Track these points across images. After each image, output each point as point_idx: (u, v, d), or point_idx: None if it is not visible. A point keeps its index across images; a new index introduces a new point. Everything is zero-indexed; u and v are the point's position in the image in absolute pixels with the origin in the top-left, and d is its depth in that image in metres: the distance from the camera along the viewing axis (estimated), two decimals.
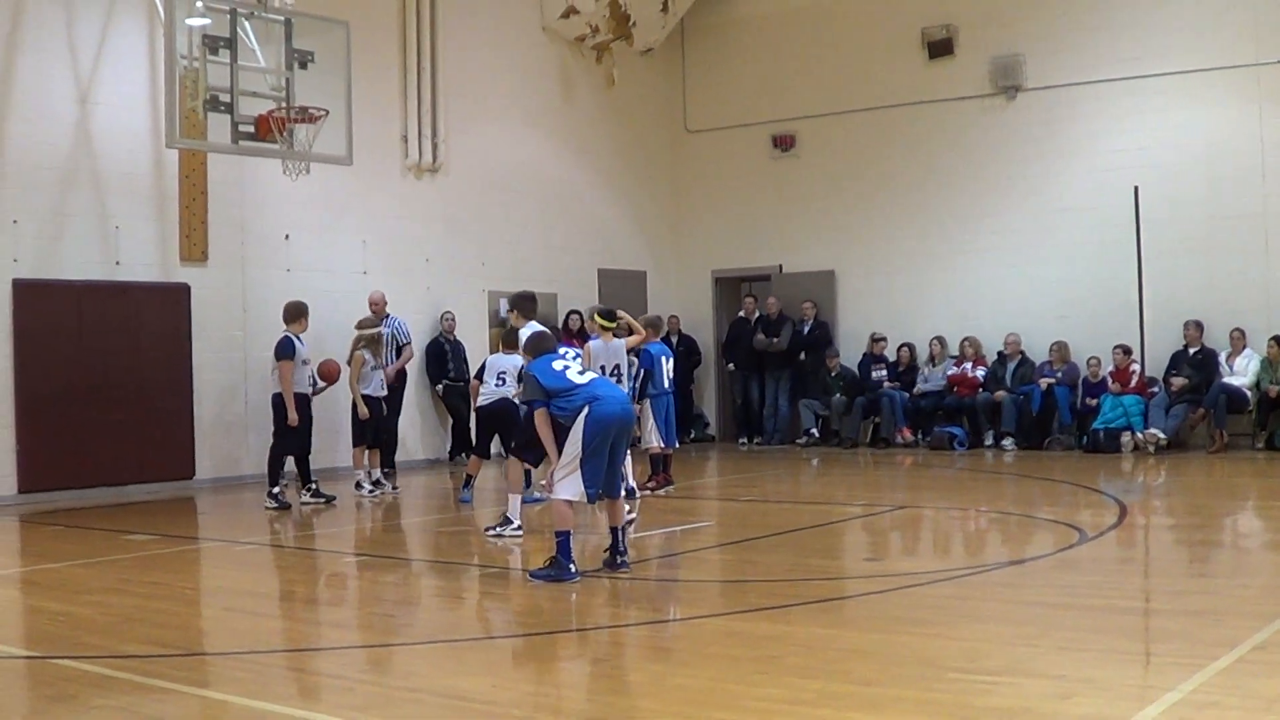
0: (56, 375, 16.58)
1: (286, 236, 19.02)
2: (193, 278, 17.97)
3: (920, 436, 22.00)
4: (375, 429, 16.61)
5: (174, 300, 17.75)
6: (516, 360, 13.04)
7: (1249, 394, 19.49)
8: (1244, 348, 19.74)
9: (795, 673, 7.06)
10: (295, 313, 15.78)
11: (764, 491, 14.57)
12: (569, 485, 9.89)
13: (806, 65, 24.24)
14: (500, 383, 13.96)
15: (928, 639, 7.73)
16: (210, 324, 18.13)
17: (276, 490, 15.35)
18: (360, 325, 16.83)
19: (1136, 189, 20.78)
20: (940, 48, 22.81)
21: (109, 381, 17.10)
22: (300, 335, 15.66)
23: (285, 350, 15.32)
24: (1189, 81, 20.53)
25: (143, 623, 8.95)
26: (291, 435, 15.46)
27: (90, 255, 17.06)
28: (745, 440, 23.83)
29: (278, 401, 15.40)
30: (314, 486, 15.83)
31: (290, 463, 15.86)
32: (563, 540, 9.85)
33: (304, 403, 15.52)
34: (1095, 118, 21.42)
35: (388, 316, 18.84)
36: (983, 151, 22.46)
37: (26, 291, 16.40)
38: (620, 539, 10.25)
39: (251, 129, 15.56)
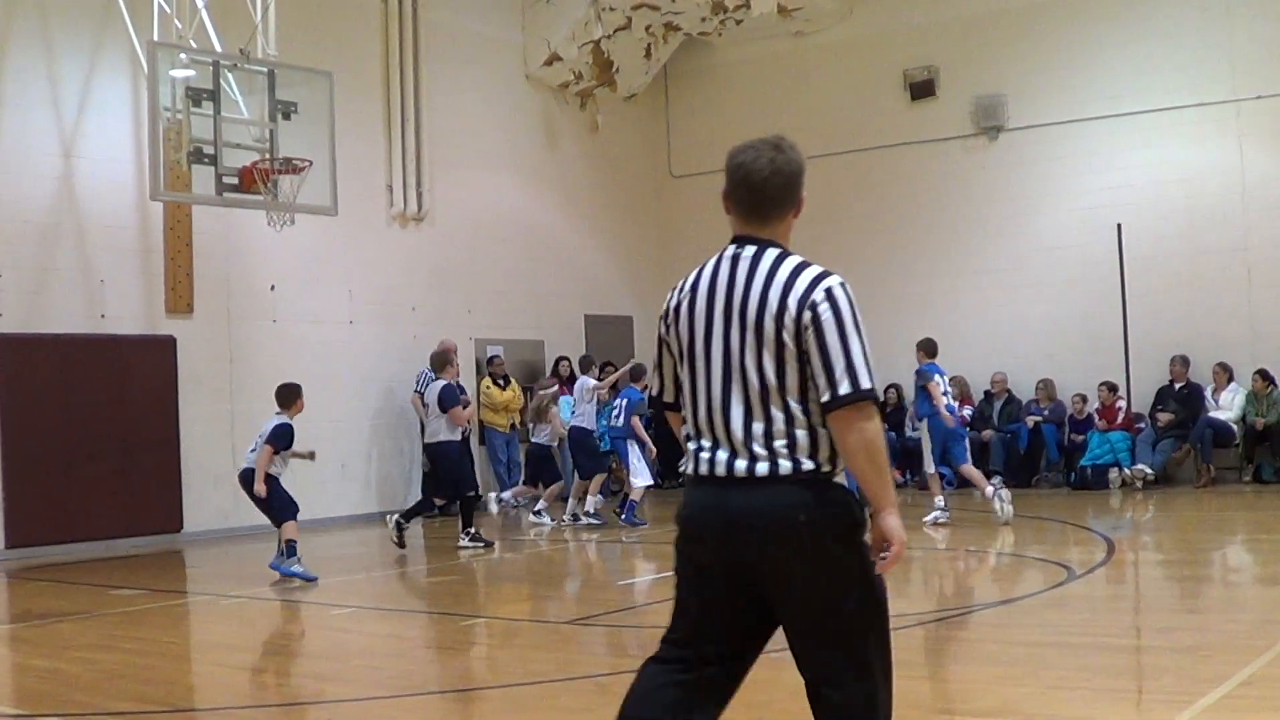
0: (42, 429, 16.54)
1: (272, 287, 19.01)
2: (179, 330, 17.95)
3: (908, 476, 21.98)
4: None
5: (160, 353, 17.73)
6: None
7: (1235, 428, 19.55)
8: (1229, 382, 19.80)
9: (785, 718, 7.04)
10: (443, 361, 16.26)
11: None
12: None
13: (789, 109, 24.27)
14: None
15: (917, 681, 7.71)
16: (197, 376, 18.09)
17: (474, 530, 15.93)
18: (543, 386, 19.06)
19: (1119, 226, 20.88)
20: (922, 89, 22.93)
21: (95, 435, 17.06)
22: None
23: (453, 398, 15.84)
24: (1169, 118, 20.68)
25: (130, 679, 8.92)
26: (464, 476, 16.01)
27: (75, 308, 17.05)
28: None
29: (446, 449, 15.77)
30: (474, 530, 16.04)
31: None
32: None
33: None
34: (1077, 156, 21.53)
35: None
36: (966, 191, 22.55)
37: (11, 346, 16.38)
38: None
39: (236, 181, 15.52)
